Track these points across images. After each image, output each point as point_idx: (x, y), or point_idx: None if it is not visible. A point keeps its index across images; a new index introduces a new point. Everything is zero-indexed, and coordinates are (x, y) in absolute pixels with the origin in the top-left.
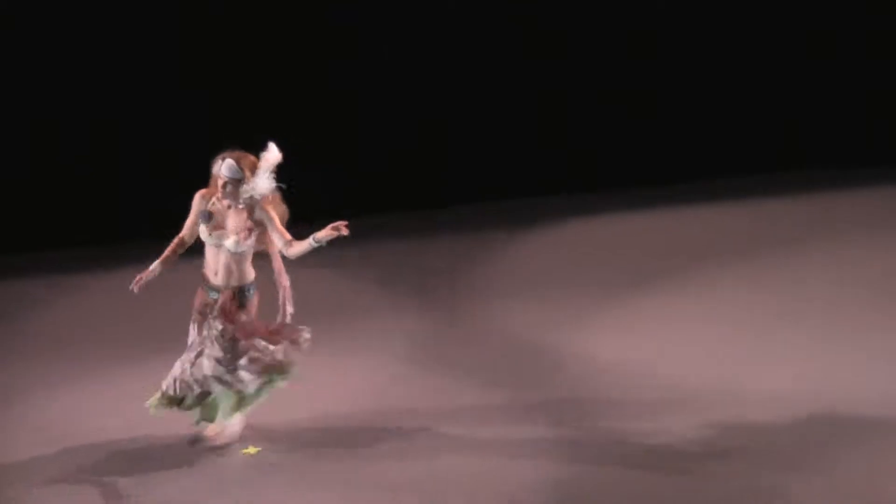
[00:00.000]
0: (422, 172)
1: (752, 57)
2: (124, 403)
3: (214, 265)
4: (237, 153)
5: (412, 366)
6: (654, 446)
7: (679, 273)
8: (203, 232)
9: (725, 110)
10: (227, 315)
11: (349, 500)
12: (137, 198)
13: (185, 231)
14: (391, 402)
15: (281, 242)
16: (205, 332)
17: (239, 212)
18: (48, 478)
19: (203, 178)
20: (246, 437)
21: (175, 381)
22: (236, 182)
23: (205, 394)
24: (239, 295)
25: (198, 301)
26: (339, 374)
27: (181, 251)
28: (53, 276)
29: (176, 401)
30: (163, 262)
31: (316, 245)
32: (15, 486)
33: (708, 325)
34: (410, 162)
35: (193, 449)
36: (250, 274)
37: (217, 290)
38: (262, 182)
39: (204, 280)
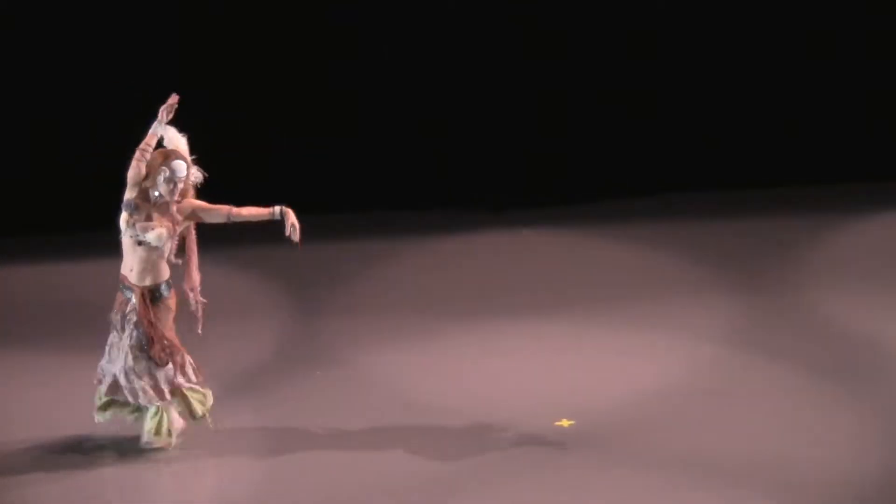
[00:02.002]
0: (421, 171)
1: (752, 57)
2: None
3: (131, 261)
4: (172, 151)
5: (725, 347)
6: None
7: None
8: (123, 222)
9: (725, 111)
10: (143, 318)
11: (654, 477)
12: None
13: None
14: (702, 382)
15: (223, 216)
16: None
17: (164, 207)
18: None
19: (206, 178)
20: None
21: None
22: (184, 178)
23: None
24: (151, 294)
25: (116, 303)
26: (649, 352)
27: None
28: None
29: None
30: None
31: (277, 218)
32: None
33: None
34: (410, 161)
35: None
36: (165, 272)
37: (131, 289)
38: (195, 170)
39: (121, 280)
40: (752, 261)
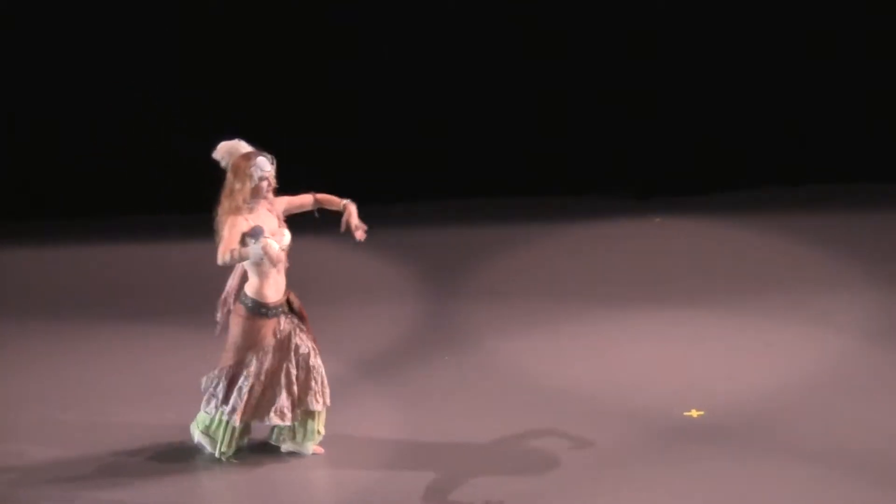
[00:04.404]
0: (421, 171)
1: (752, 57)
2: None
3: (276, 279)
4: (250, 153)
5: (865, 341)
6: None
7: None
8: (263, 254)
9: (725, 111)
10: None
11: (785, 470)
12: (136, 197)
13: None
14: (839, 376)
15: (309, 203)
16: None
17: (265, 207)
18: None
19: (203, 177)
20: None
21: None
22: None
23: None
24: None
25: (263, 335)
26: (786, 343)
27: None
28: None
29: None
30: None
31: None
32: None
33: None
34: (410, 161)
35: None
36: None
37: (281, 307)
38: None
39: (265, 307)
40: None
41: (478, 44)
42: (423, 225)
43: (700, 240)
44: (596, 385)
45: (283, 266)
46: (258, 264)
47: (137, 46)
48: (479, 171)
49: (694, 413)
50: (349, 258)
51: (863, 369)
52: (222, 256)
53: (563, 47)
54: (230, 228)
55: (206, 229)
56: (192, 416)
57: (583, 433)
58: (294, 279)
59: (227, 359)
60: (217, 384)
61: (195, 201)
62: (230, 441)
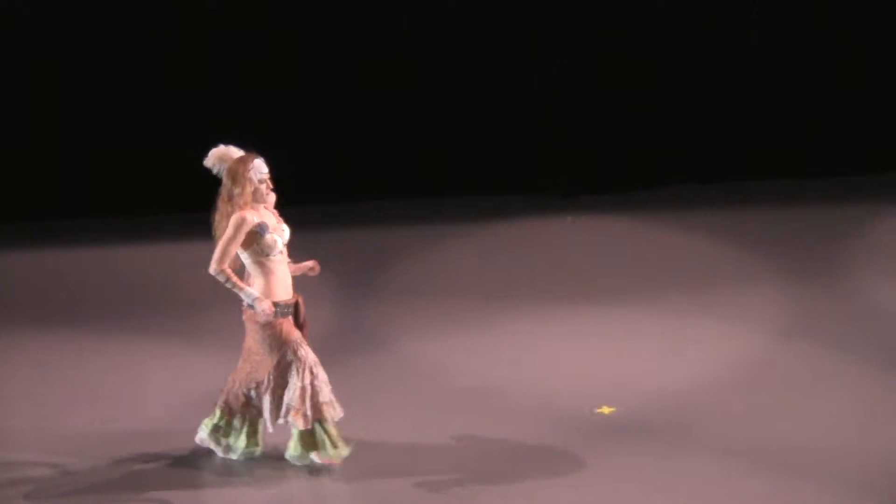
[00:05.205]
0: (421, 171)
1: (752, 57)
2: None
3: (284, 275)
4: (244, 156)
5: (777, 336)
6: None
7: None
8: (273, 245)
9: (725, 111)
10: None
11: (694, 464)
12: (135, 197)
13: (228, 262)
14: (752, 371)
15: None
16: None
17: (264, 206)
18: None
19: (201, 177)
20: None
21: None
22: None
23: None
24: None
25: (287, 331)
26: (700, 339)
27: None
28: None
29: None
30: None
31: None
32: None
33: None
34: (410, 160)
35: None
36: None
37: (290, 308)
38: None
39: (280, 305)
40: (807, 249)
41: (478, 44)
42: (340, 226)
43: (620, 238)
44: (515, 384)
45: (285, 261)
46: (261, 263)
47: (136, 46)
48: (403, 172)
49: (605, 410)
50: None
51: (779, 364)
52: (217, 266)
53: (562, 47)
54: (236, 229)
55: (206, 230)
56: (192, 419)
57: (501, 432)
58: (208, 283)
59: (262, 370)
60: (263, 399)
61: (195, 201)
62: (330, 442)
